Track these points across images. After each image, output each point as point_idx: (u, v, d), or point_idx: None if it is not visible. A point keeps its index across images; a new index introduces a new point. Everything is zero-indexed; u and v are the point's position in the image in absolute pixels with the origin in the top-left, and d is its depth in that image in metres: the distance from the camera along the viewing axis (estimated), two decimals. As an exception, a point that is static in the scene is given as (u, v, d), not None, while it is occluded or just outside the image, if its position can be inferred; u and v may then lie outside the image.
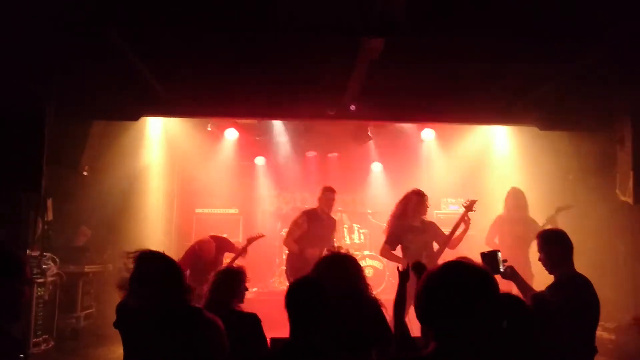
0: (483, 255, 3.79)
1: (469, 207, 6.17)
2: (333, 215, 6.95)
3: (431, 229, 6.06)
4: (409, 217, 5.96)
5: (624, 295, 6.65)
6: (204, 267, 6.11)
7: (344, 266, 3.15)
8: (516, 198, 7.02)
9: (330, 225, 6.73)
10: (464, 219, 6.03)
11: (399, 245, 6.00)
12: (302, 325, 2.49)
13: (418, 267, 3.18)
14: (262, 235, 6.93)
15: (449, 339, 1.79)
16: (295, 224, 6.60)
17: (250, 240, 6.74)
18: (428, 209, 6.14)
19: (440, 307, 1.81)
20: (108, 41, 5.09)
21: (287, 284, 6.73)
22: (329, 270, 3.06)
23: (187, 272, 6.21)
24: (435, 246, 6.00)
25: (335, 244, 6.49)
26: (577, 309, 3.44)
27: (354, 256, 3.38)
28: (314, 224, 6.50)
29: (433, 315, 1.84)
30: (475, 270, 1.86)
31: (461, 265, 1.87)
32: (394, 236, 5.99)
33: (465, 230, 6.05)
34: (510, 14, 4.69)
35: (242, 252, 6.62)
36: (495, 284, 1.85)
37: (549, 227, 6.52)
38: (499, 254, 3.76)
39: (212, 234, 6.77)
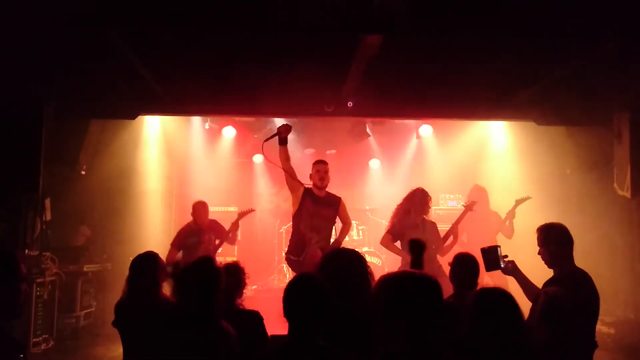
0: (483, 250, 3.78)
1: (469, 206, 6.22)
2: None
3: (431, 230, 6.09)
4: (412, 215, 6.02)
5: (622, 290, 6.68)
6: (196, 242, 6.28)
7: (349, 264, 3.09)
8: (478, 195, 7.04)
9: (329, 205, 5.92)
10: (453, 233, 6.15)
11: (399, 241, 6.03)
12: (301, 325, 2.47)
13: (415, 245, 3.23)
14: (252, 210, 7.05)
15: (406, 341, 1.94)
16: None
17: (241, 215, 6.85)
18: (430, 209, 6.19)
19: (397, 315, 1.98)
20: (106, 41, 5.09)
21: (287, 269, 6.56)
22: (334, 268, 3.00)
23: (180, 253, 6.33)
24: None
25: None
26: (577, 304, 3.45)
27: (360, 253, 3.34)
28: (310, 202, 5.83)
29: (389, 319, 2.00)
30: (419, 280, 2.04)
31: (410, 278, 2.06)
32: (397, 229, 6.03)
33: (454, 242, 6.17)
34: (508, 12, 4.69)
35: (233, 231, 6.67)
36: (437, 291, 2.04)
37: (507, 221, 6.92)
38: (499, 249, 3.75)
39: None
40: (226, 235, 6.71)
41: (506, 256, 3.76)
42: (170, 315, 3.00)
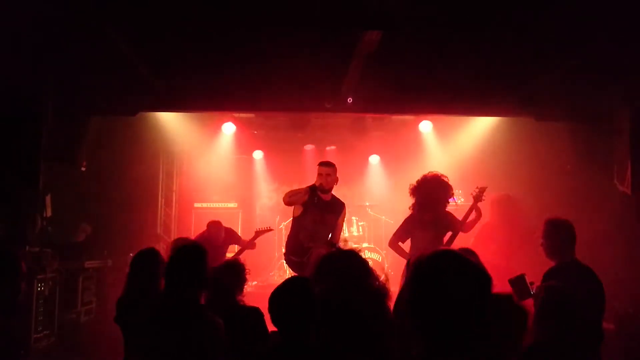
0: (511, 281, 3.70)
1: (478, 196, 5.86)
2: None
3: (444, 222, 5.72)
4: (420, 211, 5.66)
5: (622, 285, 6.68)
6: (210, 255, 6.24)
7: (348, 266, 3.05)
8: (508, 205, 6.95)
9: (333, 211, 5.71)
10: (475, 209, 5.82)
11: (410, 239, 5.77)
12: (291, 331, 2.46)
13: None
14: (271, 229, 7.03)
15: (440, 339, 1.58)
16: (301, 188, 5.69)
17: (258, 234, 6.87)
18: (446, 199, 5.67)
19: (431, 300, 1.60)
20: (105, 37, 5.09)
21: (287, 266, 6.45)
22: (332, 270, 2.97)
23: None
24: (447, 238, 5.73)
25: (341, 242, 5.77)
26: (581, 295, 3.47)
27: (359, 252, 3.28)
28: (315, 209, 5.60)
29: (423, 309, 1.62)
30: (472, 265, 1.65)
31: (457, 258, 1.65)
32: (403, 229, 5.77)
33: (477, 217, 5.85)
34: (508, 8, 4.69)
35: (249, 245, 6.71)
36: (490, 283, 1.66)
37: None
38: (525, 277, 3.74)
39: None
40: (244, 246, 6.84)
41: (532, 283, 3.75)
42: (161, 305, 3.02)
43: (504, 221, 6.89)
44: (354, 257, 3.00)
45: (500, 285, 3.75)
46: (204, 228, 6.99)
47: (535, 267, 4.09)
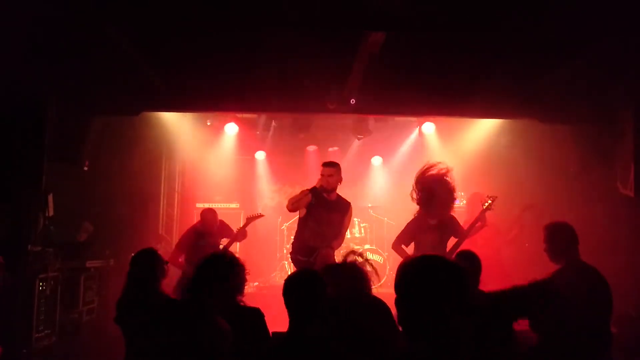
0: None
1: (488, 205, 5.83)
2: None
3: (449, 227, 5.71)
4: (425, 216, 5.66)
5: (625, 288, 6.66)
6: (203, 244, 6.23)
7: (350, 279, 3.07)
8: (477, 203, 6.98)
9: (338, 209, 5.71)
10: (481, 217, 5.82)
11: (413, 243, 5.78)
12: (301, 319, 2.49)
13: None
14: (261, 215, 7.00)
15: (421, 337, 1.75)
16: (302, 191, 5.70)
17: (249, 220, 6.81)
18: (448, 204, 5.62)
19: (413, 302, 1.78)
20: (107, 37, 5.10)
21: (289, 266, 6.42)
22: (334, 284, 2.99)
23: (182, 257, 6.35)
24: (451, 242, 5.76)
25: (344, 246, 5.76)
26: (580, 294, 3.48)
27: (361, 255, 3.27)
28: (319, 208, 5.62)
29: (407, 310, 1.80)
30: (450, 266, 1.83)
31: (436, 261, 1.84)
32: (407, 232, 5.76)
33: (481, 227, 5.89)
34: (511, 9, 4.69)
35: (241, 232, 6.66)
36: (467, 283, 1.83)
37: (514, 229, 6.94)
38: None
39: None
40: (235, 236, 6.77)
41: None
42: (167, 309, 3.03)
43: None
44: (354, 270, 3.03)
45: (493, 272, 3.81)
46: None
47: (519, 256, 4.15)
